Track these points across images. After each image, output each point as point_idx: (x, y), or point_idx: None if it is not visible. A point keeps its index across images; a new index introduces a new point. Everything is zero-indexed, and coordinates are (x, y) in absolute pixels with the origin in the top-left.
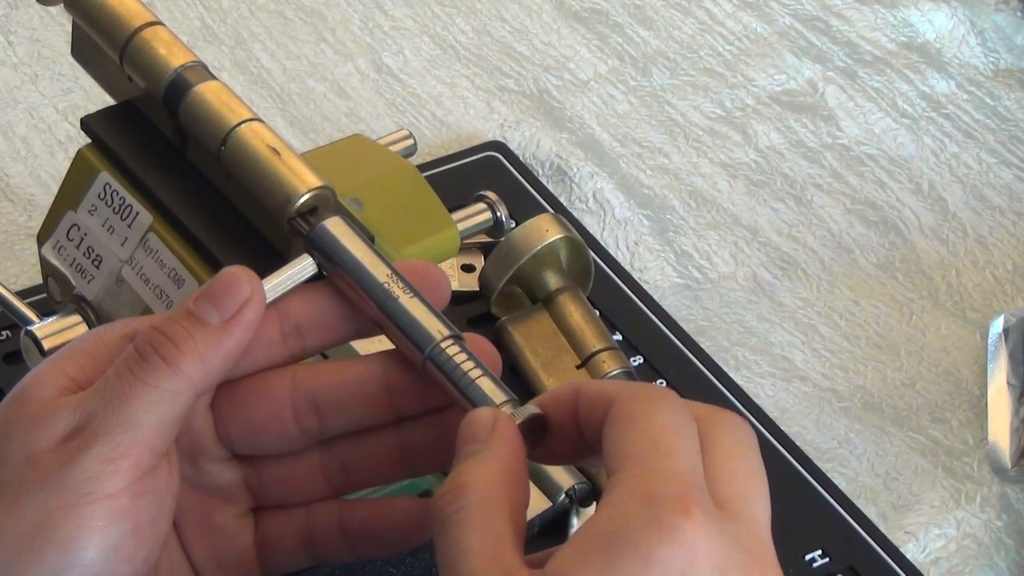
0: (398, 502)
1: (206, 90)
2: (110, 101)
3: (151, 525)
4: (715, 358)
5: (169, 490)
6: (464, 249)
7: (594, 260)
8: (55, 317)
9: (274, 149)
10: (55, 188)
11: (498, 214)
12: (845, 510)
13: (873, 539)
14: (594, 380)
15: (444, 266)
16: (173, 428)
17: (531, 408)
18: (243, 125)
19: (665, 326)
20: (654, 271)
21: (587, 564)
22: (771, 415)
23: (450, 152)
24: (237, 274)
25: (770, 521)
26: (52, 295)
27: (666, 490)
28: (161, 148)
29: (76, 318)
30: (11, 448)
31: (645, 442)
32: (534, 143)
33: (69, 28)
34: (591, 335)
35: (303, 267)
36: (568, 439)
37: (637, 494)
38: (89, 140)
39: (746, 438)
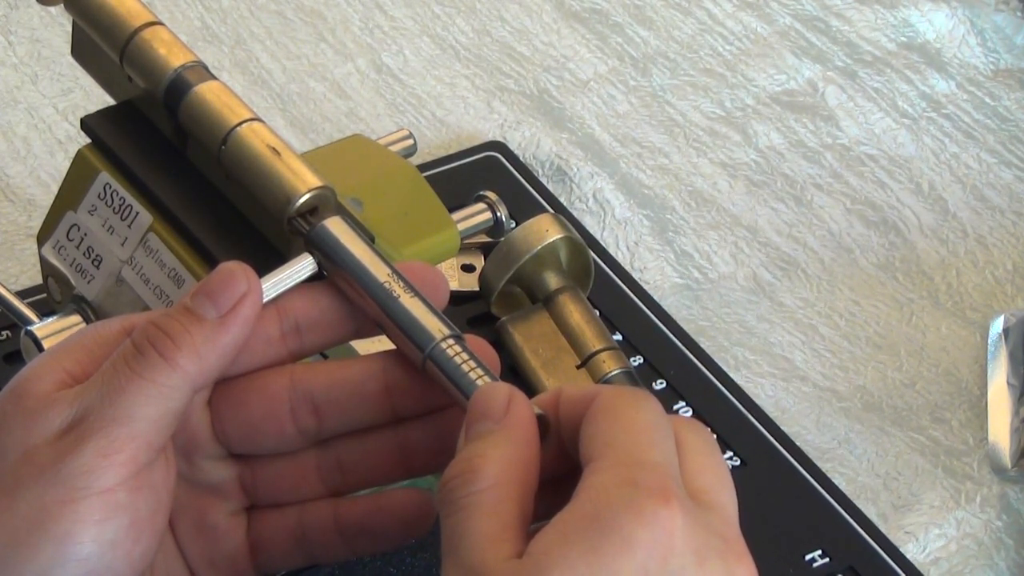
0: (397, 495)
1: (206, 90)
2: (110, 101)
3: (148, 520)
4: (715, 358)
5: (166, 486)
6: (464, 249)
7: (594, 260)
8: (55, 317)
9: (274, 149)
10: (55, 188)
11: (498, 214)
12: (845, 510)
13: (873, 539)
14: (575, 384)
15: (444, 266)
16: (170, 424)
17: (534, 409)
18: (243, 125)
19: (665, 326)
20: (654, 271)
21: (570, 545)
22: (771, 415)
23: (450, 152)
24: (234, 270)
25: (738, 514)
26: (52, 295)
27: (646, 479)
28: (161, 148)
29: (76, 318)
30: (7, 442)
31: (627, 434)
32: (534, 143)
33: (69, 28)
34: (591, 335)
35: (303, 266)
36: (551, 446)
37: (619, 480)
38: (89, 140)
39: (711, 439)
